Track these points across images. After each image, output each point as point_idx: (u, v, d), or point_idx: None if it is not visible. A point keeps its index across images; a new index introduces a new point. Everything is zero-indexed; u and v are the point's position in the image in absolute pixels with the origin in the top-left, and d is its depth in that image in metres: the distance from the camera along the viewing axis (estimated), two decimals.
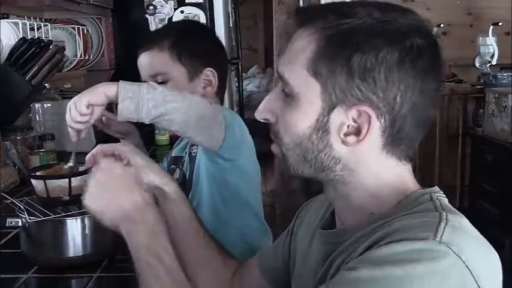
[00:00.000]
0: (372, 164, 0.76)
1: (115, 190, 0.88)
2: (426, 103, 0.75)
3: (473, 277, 0.65)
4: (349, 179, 0.77)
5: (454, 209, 0.74)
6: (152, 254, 0.82)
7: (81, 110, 1.07)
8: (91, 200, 0.88)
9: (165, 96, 1.10)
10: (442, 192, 0.78)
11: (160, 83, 1.40)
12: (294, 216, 1.02)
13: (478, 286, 0.65)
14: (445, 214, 0.70)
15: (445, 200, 0.76)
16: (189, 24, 1.72)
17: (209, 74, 1.44)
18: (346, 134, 0.75)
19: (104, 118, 1.42)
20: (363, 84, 0.72)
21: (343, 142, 0.75)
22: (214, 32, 1.60)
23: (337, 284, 0.67)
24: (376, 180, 0.77)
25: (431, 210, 0.72)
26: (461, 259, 0.64)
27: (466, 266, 0.64)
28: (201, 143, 1.21)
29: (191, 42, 1.44)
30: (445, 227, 0.67)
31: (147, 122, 1.11)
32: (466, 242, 0.67)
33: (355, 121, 0.74)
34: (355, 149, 0.75)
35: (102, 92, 1.09)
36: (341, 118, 0.74)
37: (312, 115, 0.75)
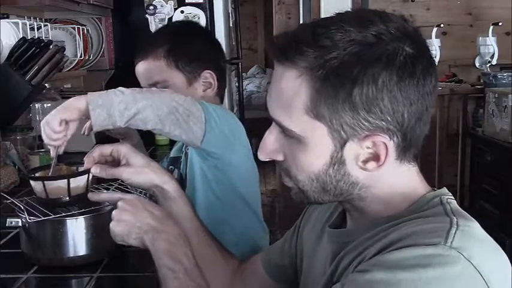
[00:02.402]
0: (387, 176, 0.77)
1: (136, 213, 0.90)
2: (428, 105, 0.75)
3: (485, 281, 0.65)
4: (365, 195, 0.78)
5: (464, 212, 0.75)
6: (173, 259, 0.85)
7: (54, 128, 1.07)
8: (117, 227, 0.91)
9: (134, 97, 1.10)
10: (450, 194, 0.78)
11: None
12: (301, 214, 1.02)
13: None
14: (455, 219, 0.70)
15: (455, 203, 0.76)
16: (182, 27, 1.68)
17: (207, 76, 1.43)
18: (364, 162, 0.74)
19: None
20: (369, 115, 0.71)
21: (363, 168, 0.74)
22: (209, 31, 1.59)
23: (351, 286, 0.68)
24: (390, 190, 0.78)
25: (441, 215, 0.73)
26: (472, 264, 0.65)
27: (478, 271, 0.65)
28: (180, 138, 1.19)
29: (186, 47, 1.43)
30: (455, 232, 0.67)
31: (122, 125, 1.10)
32: (476, 246, 0.67)
33: (370, 148, 0.73)
34: (374, 172, 0.75)
35: (73, 106, 1.09)
36: (355, 150, 0.73)
37: (325, 154, 0.74)
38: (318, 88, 0.71)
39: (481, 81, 3.79)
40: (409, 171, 0.78)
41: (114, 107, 1.07)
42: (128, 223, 0.90)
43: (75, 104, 1.09)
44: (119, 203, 0.93)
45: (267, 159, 0.79)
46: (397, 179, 0.77)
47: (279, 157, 0.78)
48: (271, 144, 0.78)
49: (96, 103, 1.07)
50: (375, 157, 0.73)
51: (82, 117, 1.09)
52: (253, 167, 1.41)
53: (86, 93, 1.11)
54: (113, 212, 0.93)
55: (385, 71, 0.70)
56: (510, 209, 3.10)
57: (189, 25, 1.78)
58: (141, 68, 1.42)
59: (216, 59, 1.49)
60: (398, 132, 0.73)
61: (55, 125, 1.07)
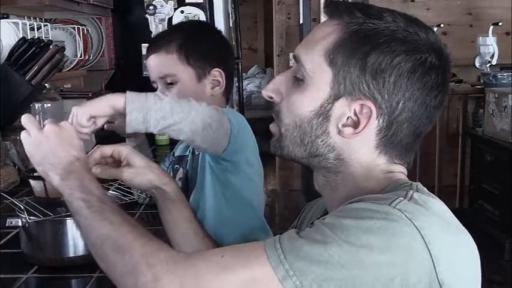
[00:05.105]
0: (363, 159, 0.80)
1: (54, 147, 0.89)
2: (424, 117, 0.79)
3: (425, 243, 0.67)
4: (340, 169, 0.81)
5: (429, 193, 0.76)
6: (85, 192, 0.84)
7: (81, 122, 1.04)
8: (33, 148, 0.90)
9: (172, 107, 1.09)
10: (423, 187, 0.79)
11: (169, 84, 1.41)
12: (298, 215, 1.02)
13: (430, 254, 0.67)
14: (411, 193, 0.73)
15: (424, 188, 0.78)
16: (195, 25, 1.73)
17: (217, 74, 1.45)
18: (344, 125, 0.78)
19: (105, 126, 1.39)
20: (373, 82, 0.76)
21: (340, 132, 0.78)
22: (221, 31, 1.61)
23: (309, 229, 0.72)
24: (366, 175, 0.80)
25: (405, 192, 0.75)
26: (413, 224, 0.67)
27: (419, 231, 0.67)
28: (206, 150, 1.21)
29: (198, 44, 1.45)
30: (402, 200, 0.70)
31: (155, 132, 1.09)
32: (423, 214, 0.69)
33: (355, 114, 0.77)
34: (350, 141, 0.79)
35: (108, 103, 1.05)
36: (343, 109, 0.78)
37: (317, 100, 0.78)
38: (344, 38, 0.77)
39: (481, 81, 3.79)
40: (391, 167, 0.81)
41: (151, 114, 1.05)
42: (45, 157, 0.89)
43: (111, 101, 1.05)
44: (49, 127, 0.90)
45: (267, 98, 0.84)
46: (374, 167, 0.80)
47: (278, 98, 0.83)
48: (278, 84, 0.83)
49: (134, 105, 1.05)
50: (355, 125, 0.78)
51: (114, 115, 1.07)
52: (260, 167, 1.42)
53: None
54: (38, 134, 0.90)
55: (405, 55, 0.76)
56: (510, 209, 3.10)
57: (202, 24, 1.83)
58: (153, 60, 1.45)
59: (226, 59, 1.51)
60: (386, 117, 0.77)
61: (83, 119, 1.05)
